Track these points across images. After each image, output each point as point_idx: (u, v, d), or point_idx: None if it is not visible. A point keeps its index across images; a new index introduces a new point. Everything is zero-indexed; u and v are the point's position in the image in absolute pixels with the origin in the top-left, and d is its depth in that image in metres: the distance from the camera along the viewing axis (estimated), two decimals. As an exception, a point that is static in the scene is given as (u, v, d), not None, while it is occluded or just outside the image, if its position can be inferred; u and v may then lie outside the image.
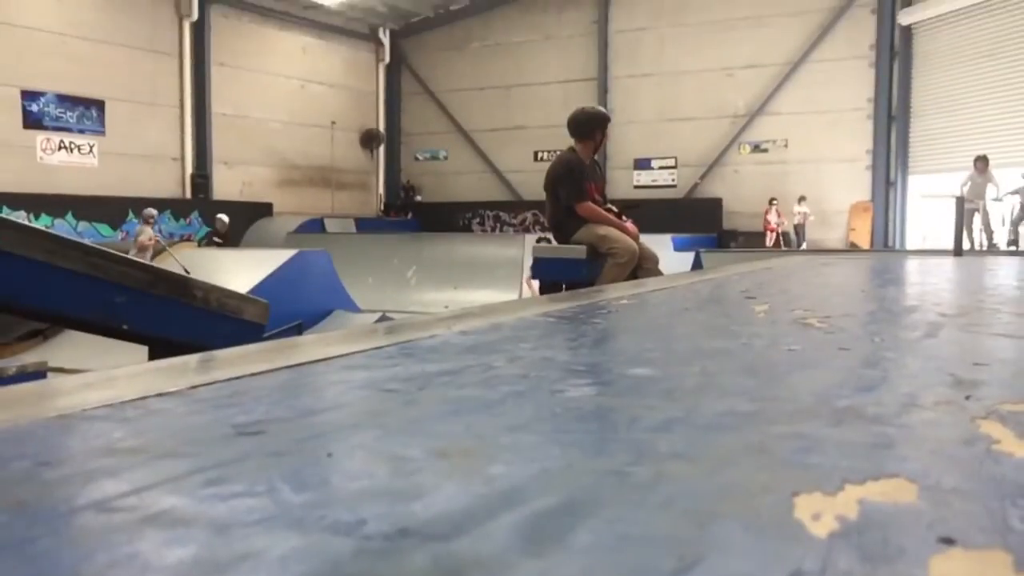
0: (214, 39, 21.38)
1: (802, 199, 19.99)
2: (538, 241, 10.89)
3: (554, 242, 5.42)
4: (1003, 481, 0.62)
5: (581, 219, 5.08)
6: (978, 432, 0.76)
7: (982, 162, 13.94)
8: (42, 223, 16.59)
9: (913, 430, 0.80)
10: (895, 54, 20.11)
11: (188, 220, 20.31)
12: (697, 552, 0.48)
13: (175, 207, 20.28)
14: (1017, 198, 13.86)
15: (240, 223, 19.61)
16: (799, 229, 19.92)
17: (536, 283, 10.24)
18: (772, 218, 20.02)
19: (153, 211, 15.22)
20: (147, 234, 14.22)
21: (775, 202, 19.97)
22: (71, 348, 8.72)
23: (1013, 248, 13.72)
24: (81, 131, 18.88)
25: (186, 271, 11.54)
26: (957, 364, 1.16)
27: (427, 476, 0.64)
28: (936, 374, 1.07)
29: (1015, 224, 13.91)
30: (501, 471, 0.66)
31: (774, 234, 19.91)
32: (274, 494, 0.58)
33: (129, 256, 14.18)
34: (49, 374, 6.29)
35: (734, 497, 0.60)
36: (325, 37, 24.56)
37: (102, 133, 19.17)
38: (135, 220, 18.85)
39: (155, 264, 6.20)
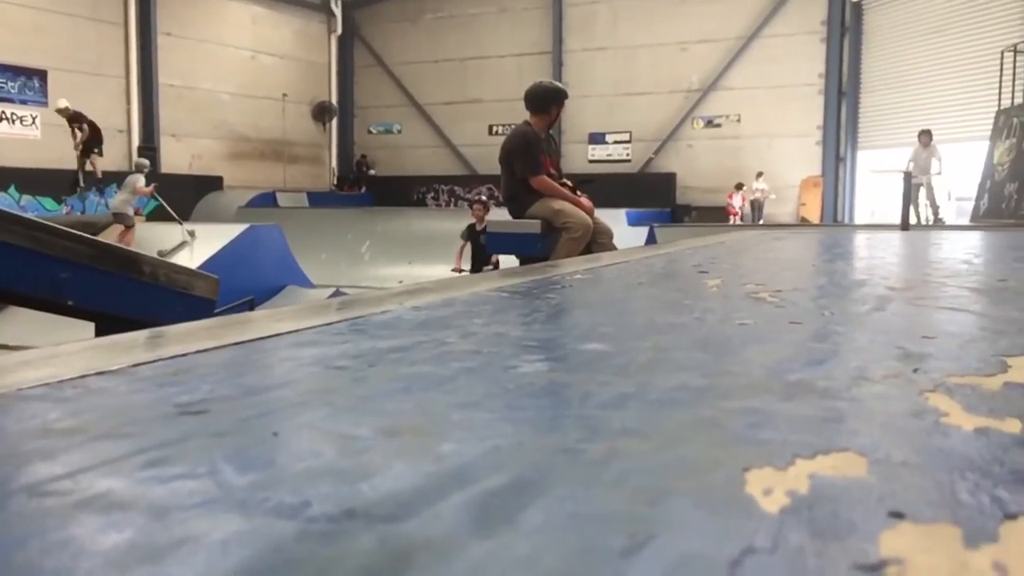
0: (160, 8, 20.89)
1: (760, 175, 20.16)
2: (471, 206, 10.87)
3: (508, 216, 5.39)
4: (951, 454, 0.63)
5: (536, 193, 5.06)
6: (926, 405, 0.77)
7: (926, 136, 14.19)
8: (-17, 197, 16.15)
9: (863, 404, 0.80)
10: (846, 30, 20.33)
11: (136, 194, 19.87)
12: (649, 530, 0.48)
13: (121, 180, 19.85)
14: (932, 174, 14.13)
15: (190, 197, 19.27)
16: (756, 205, 20.09)
17: (466, 261, 10.13)
18: (736, 201, 20.12)
19: (146, 161, 15.13)
20: (142, 182, 14.02)
21: (742, 187, 20.08)
22: (16, 325, 8.53)
23: (958, 223, 14.00)
24: (23, 101, 18.38)
25: (190, 233, 11.50)
26: (905, 337, 1.17)
27: (375, 455, 0.62)
28: (885, 347, 1.08)
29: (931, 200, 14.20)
30: (452, 449, 0.64)
31: (736, 218, 20.02)
32: (216, 476, 0.56)
33: (121, 200, 13.85)
34: (-7, 351, 6.15)
35: (686, 473, 0.59)
36: (275, 7, 24.13)
37: (44, 104, 18.67)
38: (79, 195, 18.43)
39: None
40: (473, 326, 1.26)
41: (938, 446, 0.65)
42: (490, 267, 9.74)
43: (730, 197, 20.29)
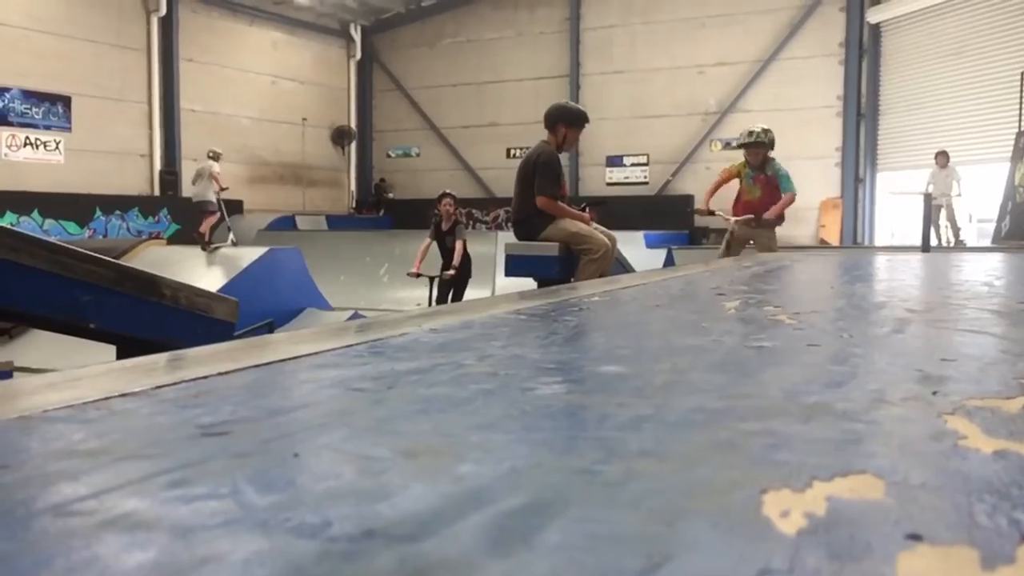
0: (182, 34, 21.15)
1: None
2: (439, 200, 9.78)
3: (514, 238, 5.37)
4: (969, 477, 0.63)
5: (549, 216, 5.05)
6: (945, 428, 0.77)
7: (943, 157, 14.13)
8: (7, 221, 16.35)
9: (881, 426, 0.80)
10: (864, 52, 20.32)
11: (156, 218, 20.09)
12: (665, 551, 0.48)
13: (143, 205, 20.06)
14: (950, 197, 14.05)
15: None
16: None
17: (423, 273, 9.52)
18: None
19: (219, 150, 15.67)
20: (217, 167, 14.50)
21: None
22: (38, 347, 8.60)
23: (980, 244, 13.90)
24: (47, 127, 18.63)
25: (229, 229, 11.77)
26: (924, 360, 1.16)
27: (394, 476, 0.63)
28: (904, 370, 1.08)
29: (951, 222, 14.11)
30: (469, 470, 0.65)
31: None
32: (238, 496, 0.57)
33: (201, 187, 14.23)
34: (15, 374, 6.21)
35: (703, 495, 0.59)
36: (296, 33, 24.38)
37: (68, 129, 18.92)
38: (102, 217, 18.64)
39: (122, 262, 6.10)
40: (491, 348, 1.27)
41: (956, 469, 0.65)
42: (451, 272, 9.07)
43: None
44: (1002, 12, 16.97)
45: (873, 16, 20.04)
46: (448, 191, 10.11)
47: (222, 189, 14.75)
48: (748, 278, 2.87)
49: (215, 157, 15.05)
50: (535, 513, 0.55)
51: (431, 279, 9.25)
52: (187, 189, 21.02)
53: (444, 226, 9.84)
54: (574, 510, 0.55)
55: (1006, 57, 16.72)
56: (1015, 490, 0.59)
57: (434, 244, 9.72)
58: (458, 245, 9.52)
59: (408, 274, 9.47)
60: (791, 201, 7.10)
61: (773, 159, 7.03)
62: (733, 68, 21.82)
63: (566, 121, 5.24)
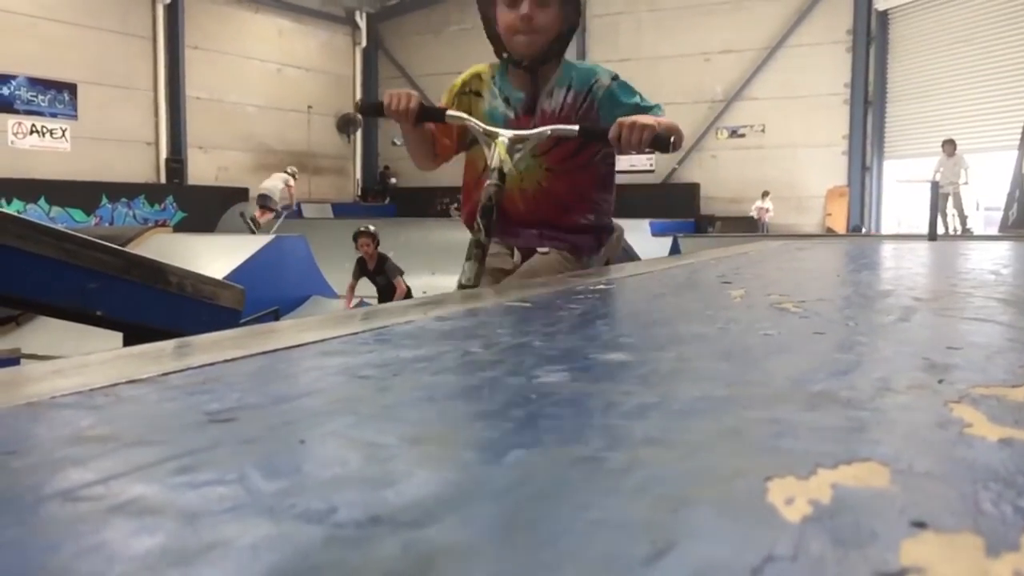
0: (188, 22, 21.16)
1: (766, 194, 20.10)
2: (356, 239, 9.00)
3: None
4: (975, 464, 0.63)
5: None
6: (951, 416, 0.77)
7: (950, 145, 14.11)
8: (13, 208, 16.40)
9: (886, 414, 0.80)
10: (872, 39, 20.23)
11: (163, 205, 20.13)
12: (670, 538, 0.48)
13: (149, 192, 20.10)
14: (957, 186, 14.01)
15: (216, 208, 19.44)
16: (759, 224, 20.03)
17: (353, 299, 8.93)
18: (765, 204, 20.11)
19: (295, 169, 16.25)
20: (293, 181, 14.93)
21: (767, 194, 20.05)
22: (45, 334, 8.64)
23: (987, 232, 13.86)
24: (53, 115, 18.66)
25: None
26: (930, 348, 1.16)
27: (400, 463, 0.63)
28: (910, 358, 1.08)
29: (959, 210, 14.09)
30: (474, 457, 0.65)
31: (763, 221, 20.03)
32: (245, 482, 0.57)
33: (271, 186, 14.86)
34: (22, 360, 6.24)
35: (708, 482, 0.60)
36: (301, 20, 24.36)
37: (74, 117, 18.95)
38: (108, 205, 18.67)
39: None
40: (496, 336, 1.27)
41: (962, 456, 0.65)
42: (401, 297, 8.28)
43: (761, 203, 20.27)
44: (1010, 0, 16.87)
45: (881, 3, 19.95)
46: (364, 228, 9.04)
47: (285, 208, 15.02)
48: (754, 266, 2.87)
49: (293, 175, 15.64)
50: (540, 500, 0.55)
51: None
52: (198, 178, 21.06)
53: (370, 266, 9.02)
54: (578, 497, 0.55)
55: (1015, 45, 16.65)
56: (1020, 478, 0.59)
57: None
58: (399, 285, 8.84)
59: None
60: None
61: None
62: (740, 55, 21.75)
63: None
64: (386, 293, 9.00)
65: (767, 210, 19.64)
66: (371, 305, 7.31)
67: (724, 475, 0.61)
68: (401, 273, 9.12)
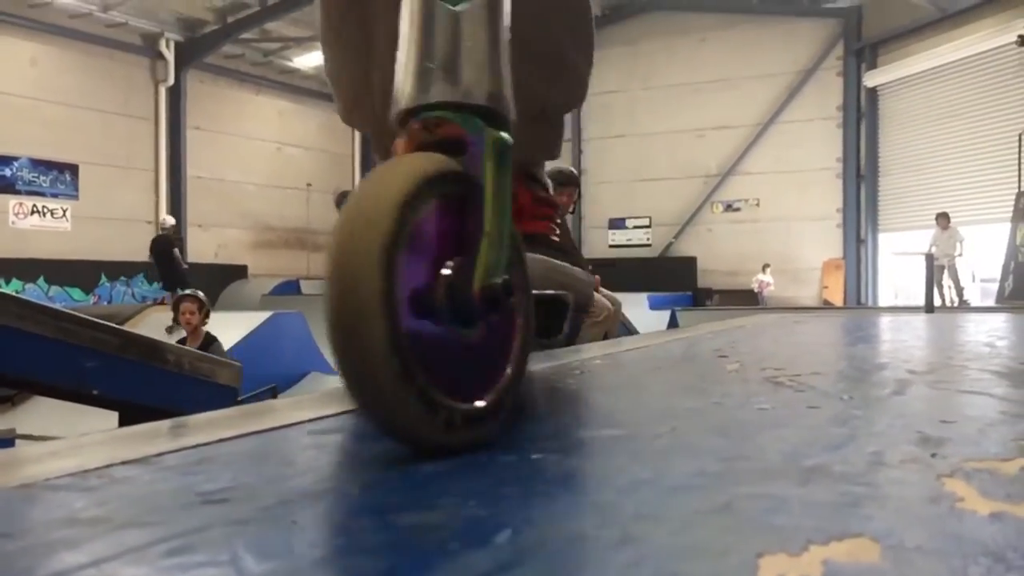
0: (190, 103, 21.55)
1: (766, 267, 20.24)
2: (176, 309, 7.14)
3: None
4: (965, 539, 0.63)
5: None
6: (943, 490, 0.77)
7: (944, 219, 14.29)
8: (12, 288, 16.45)
9: (879, 488, 0.80)
10: (862, 115, 20.61)
11: (162, 283, 20.20)
12: (661, 616, 0.48)
13: (148, 270, 20.19)
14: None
15: (215, 286, 19.50)
16: (758, 298, 20.10)
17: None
18: (766, 277, 20.22)
19: None
20: None
21: (768, 267, 20.19)
22: (40, 414, 8.57)
23: (986, 304, 13.92)
24: (54, 195, 18.86)
25: None
26: (924, 421, 1.17)
27: (392, 548, 0.63)
28: (903, 431, 1.08)
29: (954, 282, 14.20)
30: (465, 539, 0.65)
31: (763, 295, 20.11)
32: (236, 563, 0.57)
33: None
34: (17, 441, 6.18)
35: (700, 558, 0.60)
36: (301, 101, 24.82)
37: (75, 197, 19.15)
38: (107, 283, 18.74)
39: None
40: (492, 413, 1.27)
41: (952, 531, 0.65)
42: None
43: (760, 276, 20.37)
44: (996, 76, 17.26)
45: (870, 80, 20.38)
46: (191, 292, 7.01)
47: None
48: (750, 339, 2.88)
49: None
50: (532, 579, 0.55)
51: None
52: (197, 255, 21.17)
53: (191, 343, 6.79)
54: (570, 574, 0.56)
55: (1003, 119, 16.95)
56: (1010, 552, 0.59)
57: None
58: None
59: None
60: None
61: None
62: (733, 131, 22.12)
63: (558, 184, 5.28)
64: None
65: (768, 283, 19.74)
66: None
67: (715, 551, 0.61)
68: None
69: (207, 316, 7.11)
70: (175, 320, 7.00)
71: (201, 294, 7.14)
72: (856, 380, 1.73)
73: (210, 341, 7.39)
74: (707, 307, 17.03)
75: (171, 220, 14.51)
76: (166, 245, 13.84)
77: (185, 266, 14.04)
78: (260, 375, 8.93)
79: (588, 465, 0.91)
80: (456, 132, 0.94)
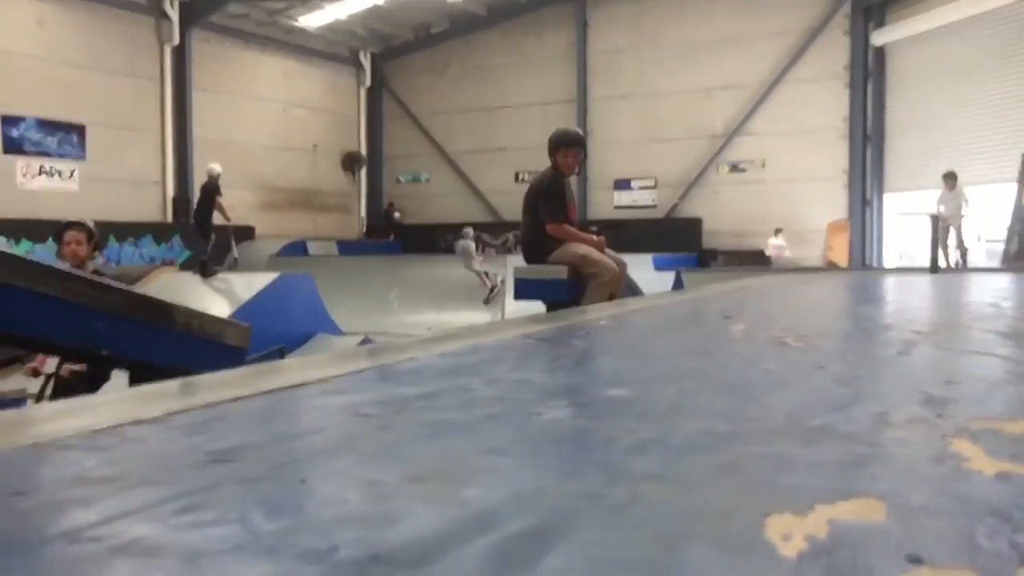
0: (195, 64, 21.37)
1: (778, 231, 20.10)
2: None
3: (523, 262, 5.37)
4: (971, 499, 0.63)
5: (557, 239, 5.07)
6: (948, 450, 0.77)
7: (951, 179, 14.13)
8: (22, 248, 16.46)
9: (884, 448, 0.80)
10: (869, 74, 20.36)
11: (170, 244, 20.21)
12: (668, 575, 0.49)
13: (156, 231, 20.20)
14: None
15: (222, 246, 19.50)
16: (771, 262, 19.98)
17: None
18: (780, 242, 20.09)
19: (470, 230, 16.47)
20: (474, 248, 15.22)
21: (780, 232, 20.06)
22: (50, 374, 8.62)
23: (988, 265, 13.86)
24: (62, 156, 18.79)
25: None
26: (929, 382, 1.17)
27: (400, 501, 0.64)
28: (908, 392, 1.08)
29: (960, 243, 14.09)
30: (475, 495, 0.66)
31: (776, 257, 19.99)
32: (246, 522, 0.58)
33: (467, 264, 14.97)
34: (28, 401, 6.22)
35: (706, 518, 0.60)
36: (306, 61, 24.61)
37: (83, 158, 19.09)
38: (115, 244, 18.76)
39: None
40: (498, 372, 1.27)
41: (958, 491, 0.65)
42: (75, 368, 4.89)
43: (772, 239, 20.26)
44: (1006, 34, 17.00)
45: (877, 39, 20.09)
46: (76, 219, 5.61)
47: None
48: (756, 300, 2.88)
49: (468, 237, 16.53)
50: (540, 537, 0.55)
51: (48, 376, 5.08)
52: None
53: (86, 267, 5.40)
54: (578, 534, 0.56)
55: (1011, 78, 16.74)
56: (1016, 512, 0.59)
57: None
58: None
59: (25, 372, 5.71)
60: None
61: None
62: (739, 91, 21.89)
63: (562, 145, 5.25)
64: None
65: (783, 248, 19.65)
66: (375, 343, 7.27)
67: (722, 511, 0.61)
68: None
69: (97, 248, 5.92)
70: (58, 253, 5.67)
71: (91, 222, 5.71)
72: (861, 341, 1.73)
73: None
74: (712, 268, 17.00)
75: (218, 168, 14.40)
76: (211, 191, 13.84)
77: (228, 220, 13.98)
78: (268, 336, 8.95)
79: (596, 425, 0.91)
80: None
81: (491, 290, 13.89)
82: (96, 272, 5.52)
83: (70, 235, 5.61)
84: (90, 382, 5.06)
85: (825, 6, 21.01)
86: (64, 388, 5.09)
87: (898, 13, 19.52)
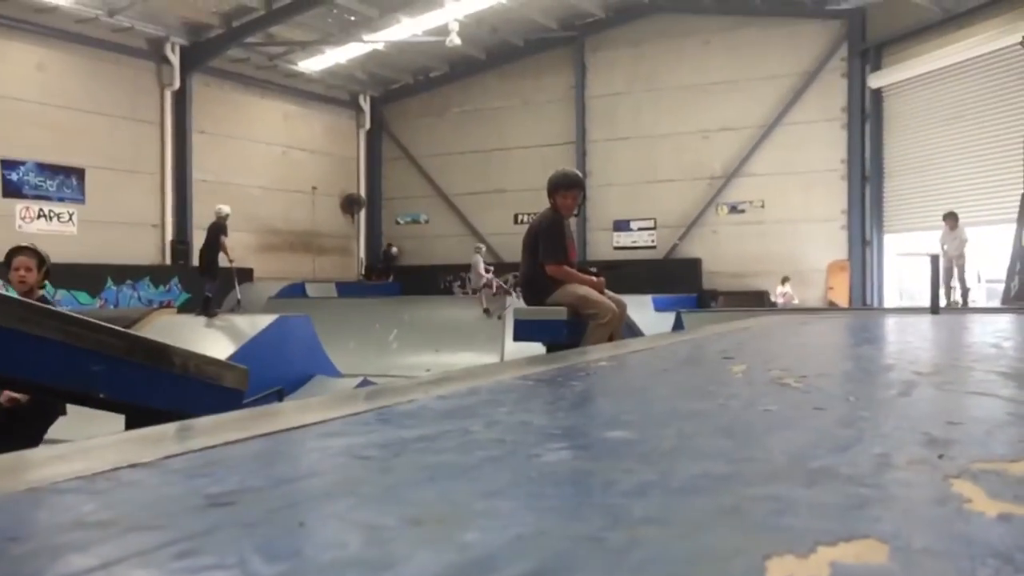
0: (195, 107, 21.56)
1: (785, 280, 20.16)
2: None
3: (522, 303, 5.39)
4: (973, 540, 0.63)
5: (556, 280, 5.08)
6: (950, 491, 0.77)
7: (952, 218, 14.21)
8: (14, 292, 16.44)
9: (886, 490, 0.80)
10: (866, 116, 20.54)
11: (168, 286, 20.22)
12: (668, 618, 0.48)
13: (154, 274, 20.22)
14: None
15: (223, 287, 19.51)
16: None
17: None
18: (788, 289, 20.14)
19: (482, 246, 17.01)
20: (482, 266, 15.52)
21: (788, 280, 20.12)
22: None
23: (990, 304, 13.87)
24: (61, 199, 18.88)
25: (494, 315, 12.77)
26: (931, 423, 1.16)
27: (400, 545, 0.63)
28: (910, 433, 1.08)
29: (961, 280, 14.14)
30: (475, 538, 0.65)
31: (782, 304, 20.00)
32: (245, 566, 0.57)
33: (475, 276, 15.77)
34: None
35: (707, 561, 0.60)
36: (306, 104, 24.83)
37: (82, 201, 19.18)
38: (113, 287, 18.77)
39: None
40: (497, 415, 1.27)
41: (960, 532, 0.65)
42: (13, 397, 4.58)
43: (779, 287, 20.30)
44: (1001, 77, 17.19)
45: (874, 82, 20.31)
46: (26, 244, 5.29)
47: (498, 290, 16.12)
48: (756, 341, 2.88)
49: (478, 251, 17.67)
50: (539, 581, 0.55)
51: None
52: (197, 258, 21.18)
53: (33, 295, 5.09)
54: (578, 578, 0.55)
55: (1009, 120, 16.89)
56: (1018, 554, 0.59)
57: None
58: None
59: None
60: None
61: None
62: (737, 133, 22.06)
63: (562, 186, 5.27)
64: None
65: (791, 296, 19.68)
66: (374, 385, 7.26)
67: (723, 554, 0.61)
68: None
69: (47, 276, 5.32)
70: (6, 279, 5.05)
71: (41, 249, 5.22)
72: (862, 381, 1.73)
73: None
74: (712, 309, 17.00)
75: (226, 209, 14.50)
76: (217, 231, 13.95)
77: (231, 260, 14.01)
78: (266, 378, 8.93)
79: (596, 467, 0.91)
80: None
81: (485, 311, 14.12)
82: (43, 300, 5.12)
83: (19, 260, 5.16)
84: (38, 414, 4.85)
85: (822, 50, 21.28)
86: (7, 417, 4.68)
87: (894, 56, 19.76)
